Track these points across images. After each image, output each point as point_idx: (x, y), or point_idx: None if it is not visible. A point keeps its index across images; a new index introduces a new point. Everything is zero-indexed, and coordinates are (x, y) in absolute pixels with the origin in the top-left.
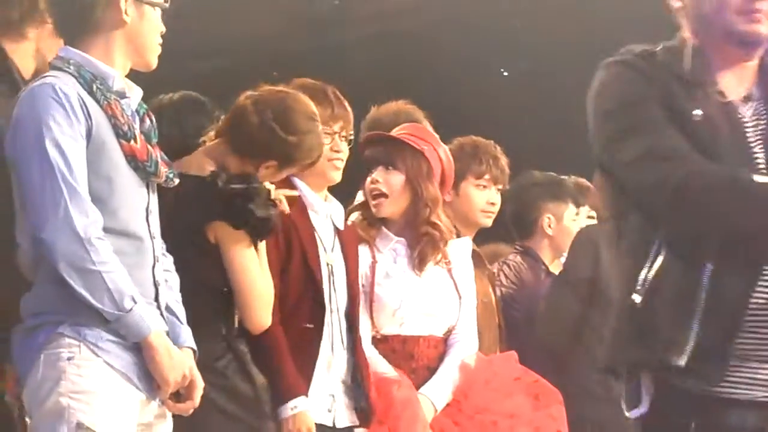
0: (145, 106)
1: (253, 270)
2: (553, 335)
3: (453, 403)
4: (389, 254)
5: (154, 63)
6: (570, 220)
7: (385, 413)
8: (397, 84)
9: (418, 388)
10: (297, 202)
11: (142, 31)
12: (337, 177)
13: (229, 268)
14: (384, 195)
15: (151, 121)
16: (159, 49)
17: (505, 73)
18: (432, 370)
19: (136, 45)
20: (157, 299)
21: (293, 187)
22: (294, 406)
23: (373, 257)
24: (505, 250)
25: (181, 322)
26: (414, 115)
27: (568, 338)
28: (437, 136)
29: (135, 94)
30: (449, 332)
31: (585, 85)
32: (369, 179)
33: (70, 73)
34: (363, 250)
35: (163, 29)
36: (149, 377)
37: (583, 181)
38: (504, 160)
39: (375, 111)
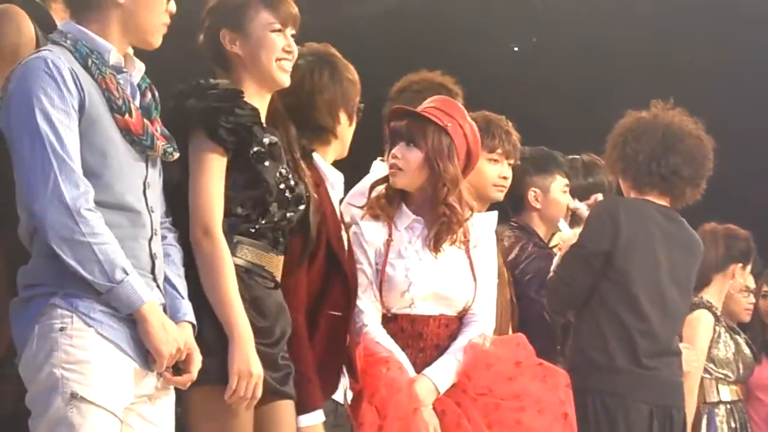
0: (147, 80)
1: (213, 177)
2: (562, 304)
3: (457, 384)
4: (405, 233)
5: (155, 42)
6: (559, 192)
7: (373, 394)
8: (408, 59)
9: (425, 367)
10: (322, 181)
11: (140, 11)
12: (287, 80)
13: (191, 168)
14: (401, 170)
15: (153, 95)
16: (163, 28)
17: (516, 49)
18: (441, 349)
19: (134, 23)
20: (153, 272)
21: (311, 162)
22: (317, 416)
23: (389, 235)
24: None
25: (182, 296)
26: (444, 88)
27: (576, 308)
28: (465, 111)
29: (137, 68)
30: (464, 311)
31: (596, 60)
32: (390, 154)
33: (66, 47)
34: (379, 227)
35: (173, 9)
36: (143, 348)
37: (594, 157)
38: (515, 135)
39: (407, 80)
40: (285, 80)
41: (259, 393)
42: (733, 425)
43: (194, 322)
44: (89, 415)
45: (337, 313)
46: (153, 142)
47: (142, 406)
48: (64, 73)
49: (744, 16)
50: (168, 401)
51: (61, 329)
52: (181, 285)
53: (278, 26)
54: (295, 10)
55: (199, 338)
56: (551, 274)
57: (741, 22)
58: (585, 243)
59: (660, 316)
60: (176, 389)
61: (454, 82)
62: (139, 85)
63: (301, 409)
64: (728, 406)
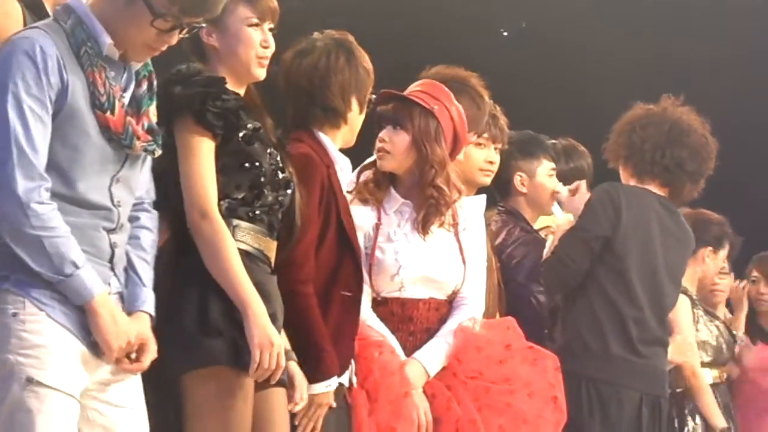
0: (149, 67)
1: (203, 161)
2: (559, 284)
3: (447, 367)
4: (394, 217)
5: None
6: (545, 176)
7: (365, 378)
8: (396, 43)
9: (415, 350)
10: (331, 163)
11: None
12: (262, 74)
13: (179, 158)
14: (389, 153)
15: (150, 84)
16: (149, 49)
17: (505, 33)
18: (431, 333)
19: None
20: (111, 261)
21: (317, 142)
22: (328, 385)
23: (378, 219)
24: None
25: (144, 284)
26: (470, 90)
27: (570, 289)
28: (451, 94)
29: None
30: (454, 294)
31: (585, 46)
32: (378, 137)
33: (63, 29)
34: (368, 211)
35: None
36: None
37: (573, 142)
38: (503, 120)
39: (436, 70)
40: (261, 74)
41: (282, 362)
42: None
43: (152, 312)
44: (47, 399)
45: (348, 293)
46: (132, 142)
47: (104, 392)
48: (48, 60)
49: (741, 9)
50: (133, 381)
51: (14, 315)
52: (145, 271)
53: (256, 21)
54: (273, 4)
55: (204, 319)
56: (549, 254)
57: (737, 14)
58: (586, 226)
59: (652, 305)
60: (175, 371)
61: (483, 85)
62: (138, 72)
63: (314, 377)
64: (711, 388)
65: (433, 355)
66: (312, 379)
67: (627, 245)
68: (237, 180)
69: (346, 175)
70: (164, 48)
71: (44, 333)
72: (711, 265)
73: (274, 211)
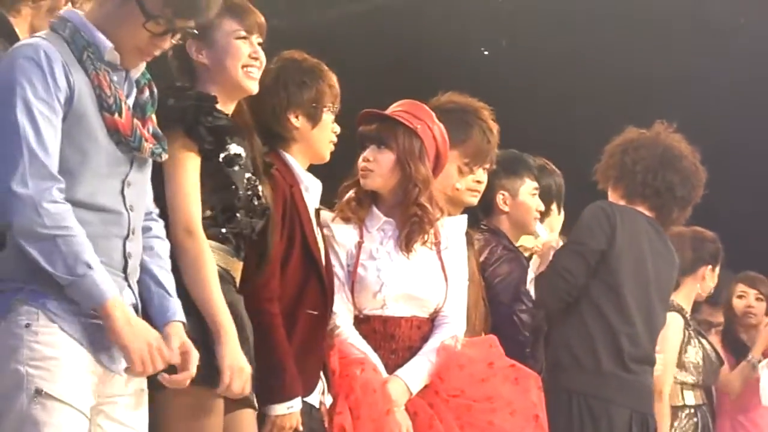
0: (148, 76)
1: (190, 177)
2: (555, 298)
3: (429, 385)
4: (377, 234)
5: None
6: (527, 195)
7: (347, 396)
8: (378, 62)
9: (397, 368)
10: (296, 182)
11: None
12: (254, 87)
13: (166, 171)
14: (372, 172)
15: (151, 92)
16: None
17: (486, 52)
18: (413, 351)
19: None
20: (125, 271)
21: (283, 163)
22: (290, 406)
23: (361, 237)
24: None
25: (171, 294)
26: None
27: (566, 304)
28: (433, 114)
29: (138, 65)
30: (436, 313)
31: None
32: (361, 157)
33: (63, 37)
34: (350, 230)
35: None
36: (110, 348)
37: (543, 161)
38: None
39: (448, 98)
40: (252, 87)
41: (248, 389)
42: (696, 430)
43: (184, 320)
44: (55, 412)
45: (314, 312)
46: (140, 144)
47: (111, 407)
48: (54, 65)
49: (713, 26)
50: (139, 401)
51: (27, 326)
52: (169, 282)
53: (243, 33)
54: (261, 18)
55: None
56: (544, 268)
57: (710, 31)
58: (584, 240)
59: (644, 322)
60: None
61: (494, 118)
62: (138, 81)
63: (275, 398)
64: (692, 410)
65: (416, 372)
66: (274, 399)
67: (621, 261)
68: (211, 201)
69: (313, 195)
70: (156, 53)
71: (56, 345)
72: (710, 283)
73: (244, 236)
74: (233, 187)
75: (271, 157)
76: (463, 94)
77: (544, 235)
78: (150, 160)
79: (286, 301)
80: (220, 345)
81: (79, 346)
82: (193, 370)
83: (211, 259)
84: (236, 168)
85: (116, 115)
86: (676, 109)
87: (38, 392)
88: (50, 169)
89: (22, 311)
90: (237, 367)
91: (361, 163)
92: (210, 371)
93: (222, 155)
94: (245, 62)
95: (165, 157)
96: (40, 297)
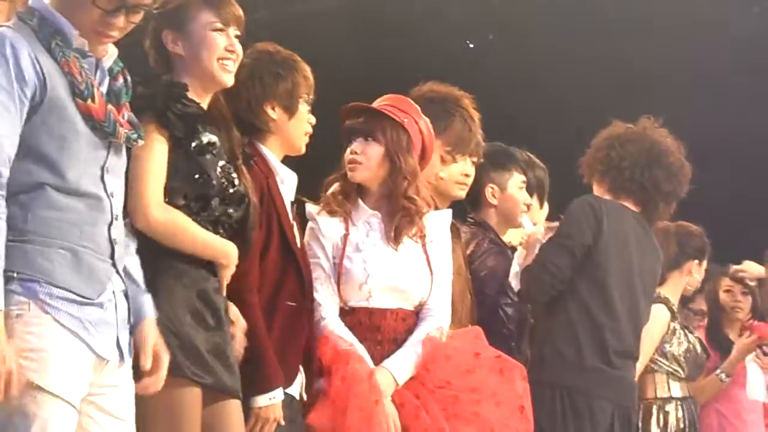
0: (120, 64)
1: (156, 161)
2: (541, 292)
3: (416, 376)
4: (363, 227)
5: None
6: (516, 188)
7: (333, 388)
8: (361, 56)
9: (382, 360)
10: (271, 174)
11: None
12: (229, 80)
13: (132, 155)
14: (360, 164)
15: (125, 79)
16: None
17: (471, 45)
18: (398, 343)
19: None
20: (113, 257)
21: (259, 154)
22: (272, 397)
23: (346, 229)
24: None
25: (141, 288)
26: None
27: (549, 300)
28: (419, 108)
29: (110, 53)
30: (420, 306)
31: (552, 58)
32: (348, 150)
33: (30, 26)
34: (336, 223)
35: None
36: (102, 337)
37: (526, 154)
38: (479, 134)
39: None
40: (227, 80)
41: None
42: (682, 423)
43: (155, 315)
44: (45, 405)
45: (292, 304)
46: (115, 129)
47: (101, 398)
48: (19, 54)
49: (702, 22)
50: (127, 392)
51: (18, 316)
52: (139, 276)
53: (220, 25)
54: (238, 11)
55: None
56: (530, 262)
57: (700, 26)
58: (571, 233)
59: (628, 317)
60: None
61: (475, 107)
62: (111, 69)
63: (257, 389)
64: (679, 402)
65: (402, 364)
66: (255, 390)
67: (607, 255)
68: (184, 188)
69: (289, 188)
70: (114, 34)
71: (47, 336)
72: (697, 277)
73: (221, 223)
74: (206, 175)
75: (248, 147)
76: (445, 85)
77: (529, 227)
78: (124, 149)
79: (265, 292)
80: (225, 269)
81: (71, 336)
82: (163, 373)
83: (179, 215)
84: (208, 156)
85: (89, 101)
86: (665, 103)
87: (29, 385)
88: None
89: (13, 301)
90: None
91: (348, 156)
92: (182, 360)
93: (194, 144)
94: (221, 55)
95: (141, 143)
96: (32, 286)
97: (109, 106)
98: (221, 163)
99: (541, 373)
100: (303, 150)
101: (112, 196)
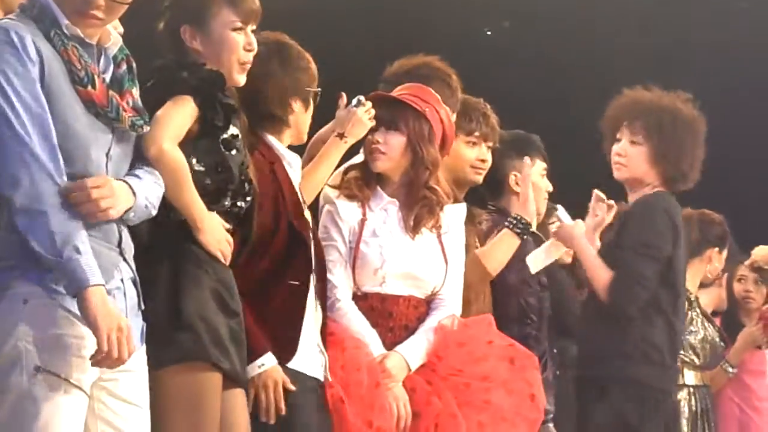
0: (126, 51)
1: (180, 116)
2: (634, 306)
3: (427, 363)
4: (380, 213)
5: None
6: (538, 175)
7: (335, 377)
8: (379, 44)
9: (393, 346)
10: (277, 159)
11: None
12: (243, 81)
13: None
14: (383, 154)
15: (129, 66)
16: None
17: (489, 33)
18: (410, 330)
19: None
20: (120, 245)
21: (263, 143)
22: (261, 364)
23: (364, 215)
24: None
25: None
26: (439, 72)
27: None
28: (439, 97)
29: (113, 40)
30: (433, 295)
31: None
32: (369, 138)
33: (32, 17)
34: (354, 207)
35: None
36: None
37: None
38: (494, 118)
39: (399, 64)
40: (241, 80)
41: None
42: (695, 409)
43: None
44: (54, 389)
45: (295, 282)
46: (118, 114)
47: (113, 383)
48: (26, 43)
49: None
50: (141, 377)
51: (25, 302)
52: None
53: (240, 25)
54: (256, 5)
55: (175, 314)
56: (616, 272)
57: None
58: (660, 245)
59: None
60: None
61: (447, 65)
62: (115, 56)
63: (248, 359)
64: (691, 389)
65: (415, 349)
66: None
67: (681, 261)
68: (204, 180)
69: (296, 170)
70: (100, 15)
71: (56, 322)
72: (717, 265)
73: (231, 214)
74: (229, 171)
75: (251, 138)
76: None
77: (567, 220)
78: (132, 135)
79: (269, 267)
80: (202, 233)
81: (79, 322)
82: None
83: (184, 165)
84: (233, 152)
85: (89, 87)
86: (687, 84)
87: (37, 369)
88: (49, 147)
89: (20, 287)
90: (218, 245)
91: (371, 146)
92: (209, 346)
93: (223, 136)
94: (240, 56)
95: (147, 129)
96: (40, 274)
97: (111, 92)
98: (241, 158)
99: (621, 369)
100: (305, 140)
101: None
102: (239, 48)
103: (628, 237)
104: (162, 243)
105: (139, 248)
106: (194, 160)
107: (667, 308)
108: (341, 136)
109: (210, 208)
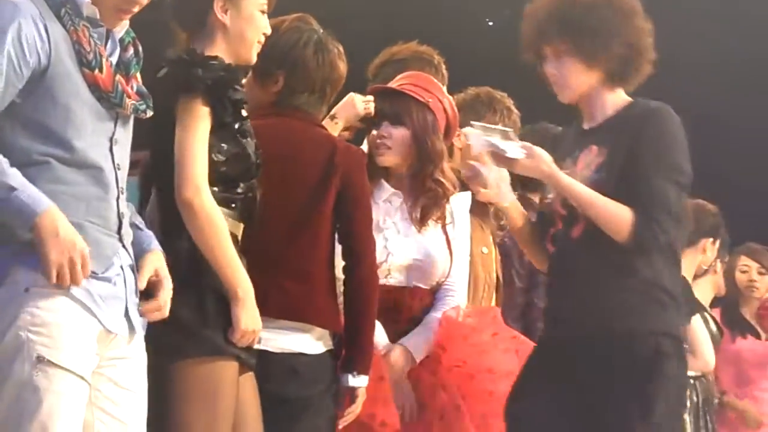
0: (132, 34)
1: (200, 140)
2: (665, 247)
3: (432, 355)
4: (384, 206)
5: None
6: None
7: None
8: (380, 33)
9: (399, 337)
10: None
11: None
12: (255, 59)
13: (177, 135)
14: (389, 148)
15: (136, 50)
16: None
17: (490, 23)
18: (415, 321)
19: None
20: (119, 232)
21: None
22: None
23: None
24: None
25: (141, 228)
26: (426, 58)
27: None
28: (442, 86)
29: (121, 23)
30: (438, 286)
31: None
32: (375, 132)
33: None
34: None
35: None
36: (111, 309)
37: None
38: (516, 113)
39: (388, 52)
40: (255, 59)
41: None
42: (695, 399)
43: (159, 249)
44: (56, 379)
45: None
46: (122, 100)
47: (110, 369)
48: (35, 19)
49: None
50: (138, 364)
51: (26, 290)
52: (138, 218)
53: (266, 7)
54: None
55: (202, 309)
56: (640, 206)
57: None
58: (684, 168)
59: None
60: (169, 358)
61: (437, 52)
62: (122, 39)
63: None
64: (692, 380)
65: (419, 342)
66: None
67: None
68: (226, 168)
69: None
70: (135, 9)
71: (57, 310)
72: (710, 255)
73: (246, 199)
74: (248, 157)
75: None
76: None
77: (510, 148)
78: (132, 119)
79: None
80: (237, 306)
81: (80, 308)
82: (162, 298)
83: (222, 217)
84: (249, 139)
85: (96, 71)
86: (686, 82)
87: (40, 359)
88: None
89: (21, 275)
90: (250, 330)
91: (375, 140)
92: (220, 341)
93: (237, 125)
94: (260, 37)
95: (149, 114)
96: (36, 261)
97: (118, 77)
98: (254, 142)
99: (655, 321)
100: None
101: (119, 168)
102: (261, 29)
103: (646, 157)
104: (186, 234)
105: (168, 230)
106: (214, 152)
107: (677, 250)
108: (333, 117)
109: (225, 194)
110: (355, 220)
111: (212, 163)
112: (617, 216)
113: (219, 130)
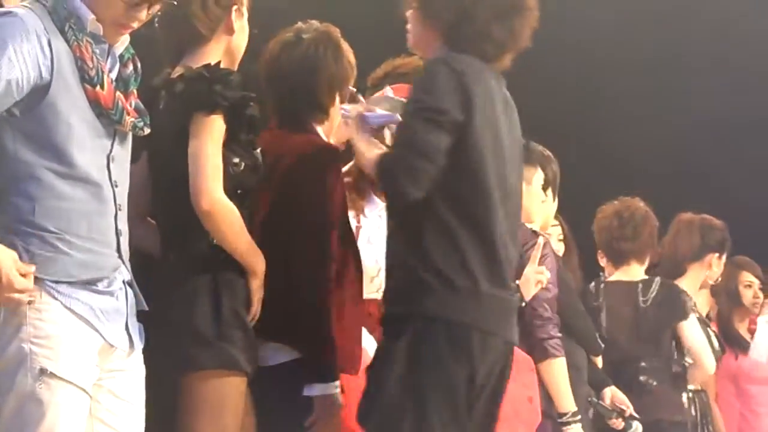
0: (132, 51)
1: (216, 150)
2: (413, 188)
3: None
4: (375, 220)
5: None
6: (538, 184)
7: (347, 382)
8: (381, 39)
9: None
10: None
11: None
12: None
13: (194, 138)
14: None
15: (135, 67)
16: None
17: None
18: None
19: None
20: (118, 249)
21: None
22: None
23: (359, 222)
24: None
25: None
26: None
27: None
28: None
29: (121, 39)
30: None
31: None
32: None
33: (46, 7)
34: (349, 216)
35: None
36: (111, 322)
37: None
38: None
39: (391, 64)
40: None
41: None
42: (694, 414)
43: None
44: (58, 391)
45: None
46: (122, 117)
47: (110, 381)
48: (38, 32)
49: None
50: (137, 376)
51: (29, 303)
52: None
53: (246, 14)
54: None
55: (217, 322)
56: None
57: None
58: (440, 106)
59: (506, 221)
60: (182, 370)
61: None
62: (122, 56)
63: None
64: (690, 394)
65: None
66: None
67: (483, 139)
68: (238, 181)
69: None
70: (135, 25)
71: (59, 322)
72: (716, 270)
73: (247, 206)
74: (261, 168)
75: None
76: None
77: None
78: (130, 136)
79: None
80: (255, 281)
81: (81, 322)
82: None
83: (237, 214)
84: (259, 149)
85: (98, 87)
86: (688, 82)
87: (42, 371)
88: None
89: None
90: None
91: None
92: (236, 355)
93: (247, 137)
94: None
95: (147, 131)
96: (41, 273)
97: (118, 93)
98: (259, 152)
99: (419, 303)
100: None
101: (116, 186)
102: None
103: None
104: (201, 248)
105: (177, 247)
106: (230, 165)
107: (469, 206)
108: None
109: (242, 204)
110: None
111: (228, 176)
112: (367, 158)
113: (231, 143)
